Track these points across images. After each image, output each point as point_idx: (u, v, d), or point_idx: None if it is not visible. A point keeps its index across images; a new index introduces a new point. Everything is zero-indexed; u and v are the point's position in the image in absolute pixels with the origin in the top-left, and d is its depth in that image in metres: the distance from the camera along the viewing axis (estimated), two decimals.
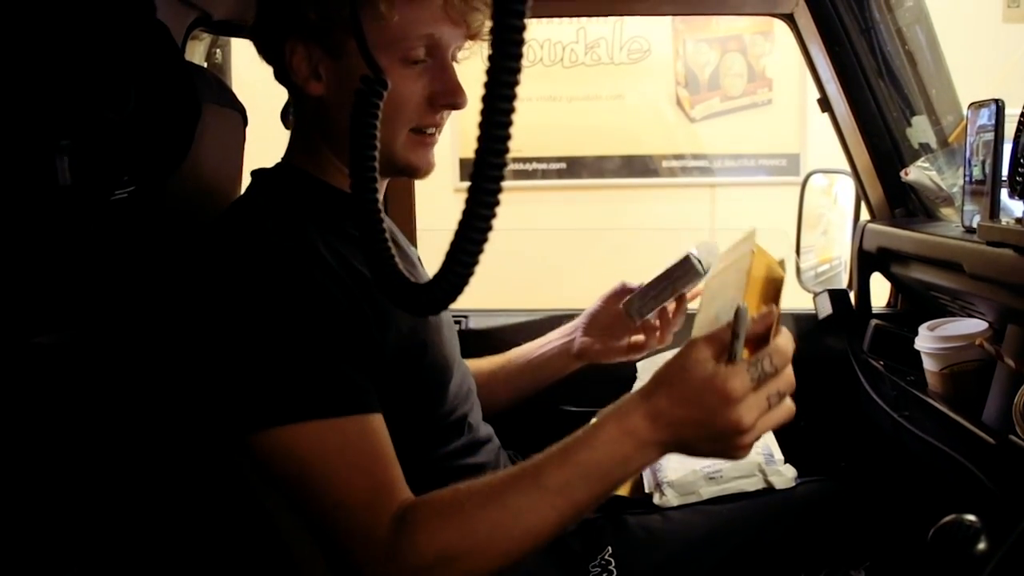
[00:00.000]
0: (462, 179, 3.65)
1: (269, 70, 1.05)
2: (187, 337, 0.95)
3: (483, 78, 0.45)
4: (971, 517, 0.88)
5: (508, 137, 0.45)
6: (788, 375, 0.84)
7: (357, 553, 0.87)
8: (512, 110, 0.44)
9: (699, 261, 1.24)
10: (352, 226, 1.01)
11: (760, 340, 0.85)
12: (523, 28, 0.44)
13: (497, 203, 0.46)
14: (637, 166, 3.70)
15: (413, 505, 0.88)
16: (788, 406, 0.85)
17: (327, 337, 0.91)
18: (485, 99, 0.44)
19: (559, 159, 3.70)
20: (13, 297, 0.81)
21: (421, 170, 1.05)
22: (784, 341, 0.84)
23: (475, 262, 0.48)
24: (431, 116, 1.02)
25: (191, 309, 0.94)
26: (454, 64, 1.04)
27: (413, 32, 0.97)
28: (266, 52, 1.04)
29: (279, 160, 1.09)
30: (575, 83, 3.67)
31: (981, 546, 0.84)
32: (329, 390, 0.89)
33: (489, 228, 0.47)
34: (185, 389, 0.95)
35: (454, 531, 0.85)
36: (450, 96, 1.01)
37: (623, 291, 1.32)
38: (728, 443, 0.84)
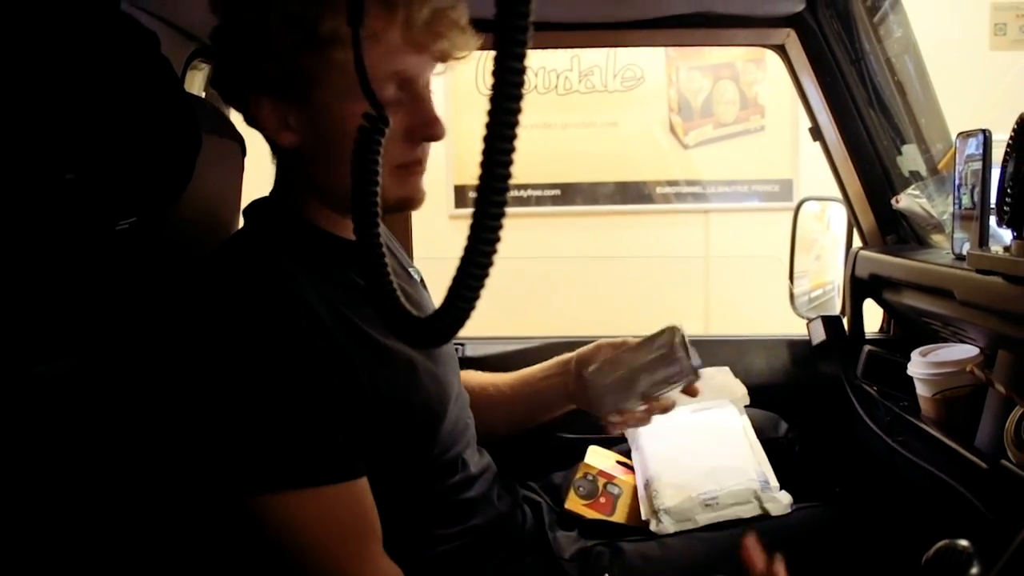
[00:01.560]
0: (457, 206, 3.66)
1: None
2: (173, 390, 0.94)
3: (485, 109, 0.46)
4: (964, 542, 0.89)
5: (510, 171, 0.46)
6: None
7: None
8: (513, 145, 0.45)
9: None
10: (340, 271, 1.01)
11: None
12: (523, 69, 0.45)
13: (499, 237, 0.47)
14: (631, 192, 3.72)
15: None
16: None
17: (308, 403, 0.90)
18: (487, 135, 0.45)
19: (553, 186, 3.72)
20: (14, 327, 0.81)
21: (414, 201, 1.03)
22: None
23: (478, 295, 0.49)
24: (411, 151, 0.99)
25: (177, 362, 0.93)
26: (430, 91, 1.00)
27: (378, 73, 0.92)
28: (230, 101, 1.01)
29: (270, 192, 1.07)
30: (569, 110, 3.69)
31: (974, 571, 0.85)
32: (303, 463, 0.90)
33: (491, 263, 0.48)
34: (175, 434, 0.95)
35: None
36: (427, 129, 0.98)
37: (617, 346, 1.24)
38: None
